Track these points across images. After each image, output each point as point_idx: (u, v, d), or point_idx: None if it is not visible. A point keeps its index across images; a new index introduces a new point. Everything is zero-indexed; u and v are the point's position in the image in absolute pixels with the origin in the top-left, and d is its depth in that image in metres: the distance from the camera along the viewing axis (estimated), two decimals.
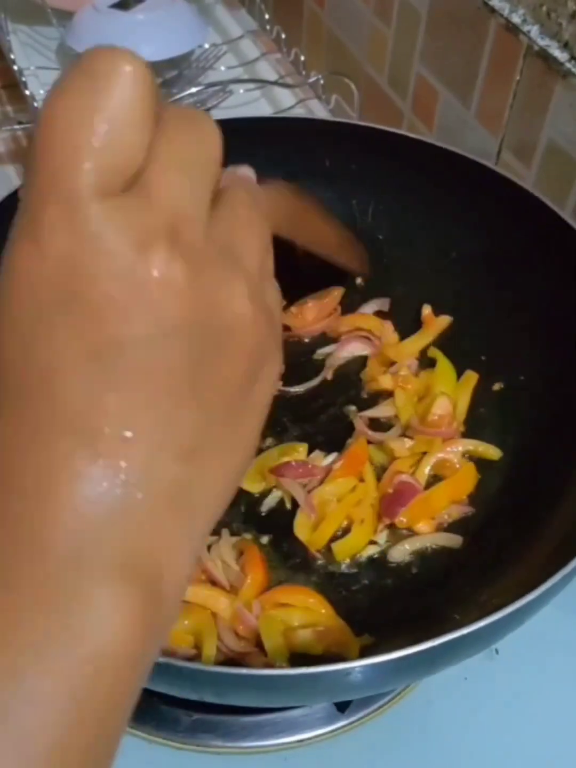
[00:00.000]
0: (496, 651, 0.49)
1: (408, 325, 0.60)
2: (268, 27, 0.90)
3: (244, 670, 0.35)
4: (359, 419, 0.54)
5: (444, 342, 0.59)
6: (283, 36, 0.86)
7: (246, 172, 0.28)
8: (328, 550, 0.49)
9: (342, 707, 0.47)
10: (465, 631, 0.34)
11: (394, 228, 0.61)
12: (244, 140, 0.60)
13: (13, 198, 0.53)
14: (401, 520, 0.49)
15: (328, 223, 0.43)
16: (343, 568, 0.48)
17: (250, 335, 0.22)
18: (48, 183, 0.19)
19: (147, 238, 0.20)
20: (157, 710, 0.46)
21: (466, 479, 0.51)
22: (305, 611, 0.45)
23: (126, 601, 0.20)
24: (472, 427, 0.54)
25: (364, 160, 0.60)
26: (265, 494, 0.51)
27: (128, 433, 0.20)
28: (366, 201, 0.62)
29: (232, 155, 0.61)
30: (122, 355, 0.20)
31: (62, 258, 0.19)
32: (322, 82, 0.80)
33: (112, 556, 0.20)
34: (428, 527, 0.49)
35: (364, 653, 0.42)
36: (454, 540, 0.49)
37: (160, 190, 0.20)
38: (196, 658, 0.42)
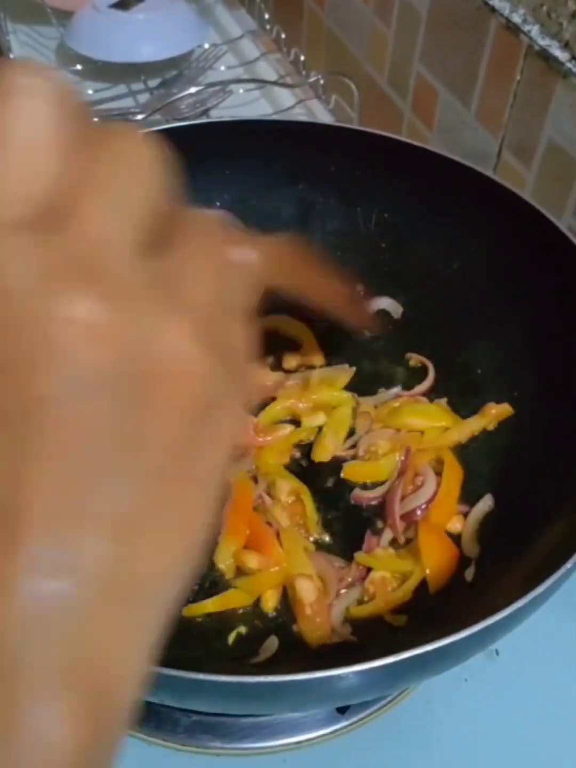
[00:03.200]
0: (497, 652, 0.49)
1: (407, 336, 0.60)
2: (268, 27, 0.90)
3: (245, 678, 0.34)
4: None
5: (443, 357, 0.58)
6: (283, 36, 0.87)
7: (216, 214, 0.25)
8: None
9: (342, 709, 0.47)
10: (463, 634, 0.33)
11: (396, 237, 0.61)
12: (248, 143, 0.61)
13: None
14: (431, 520, 0.49)
15: (332, 278, 0.42)
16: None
17: (189, 380, 0.18)
18: None
19: (59, 274, 0.17)
20: (156, 711, 0.46)
21: (454, 468, 0.52)
22: None
23: (69, 709, 0.17)
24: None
25: (369, 168, 0.59)
26: None
27: (50, 512, 0.17)
28: (370, 209, 0.61)
29: (236, 157, 0.61)
30: (34, 418, 0.17)
31: None
32: (322, 82, 0.80)
33: (49, 660, 0.17)
34: (459, 524, 0.50)
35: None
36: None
37: (78, 220, 0.17)
38: None
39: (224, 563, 0.47)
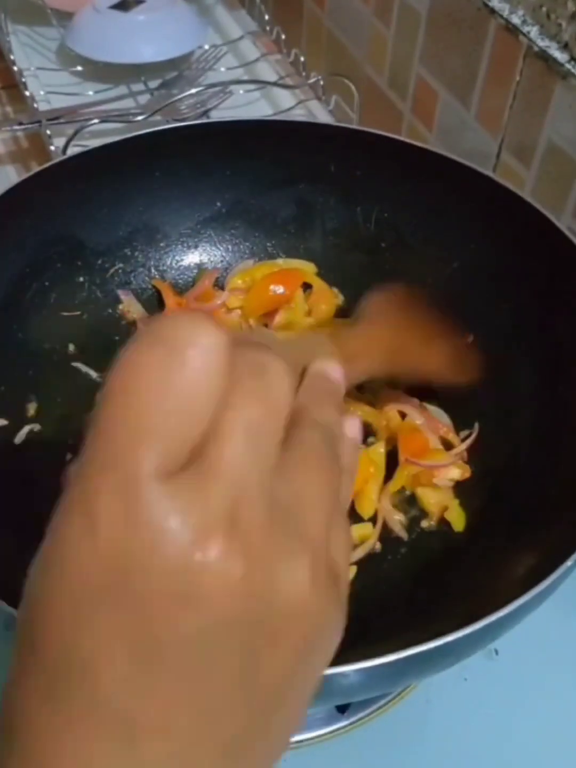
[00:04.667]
0: (496, 651, 0.49)
1: None
2: (268, 28, 0.91)
3: None
4: None
5: None
6: (283, 37, 0.87)
7: (328, 376, 0.27)
8: None
9: (342, 708, 0.47)
10: (463, 632, 0.33)
11: (396, 237, 0.61)
12: (249, 143, 0.61)
13: (12, 193, 0.52)
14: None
15: (430, 345, 0.43)
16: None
17: (307, 619, 0.20)
18: (109, 461, 0.18)
19: (205, 525, 0.18)
20: None
21: None
22: None
23: None
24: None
25: (369, 167, 0.59)
26: None
27: (168, 732, 0.19)
28: (370, 208, 0.61)
29: (237, 157, 0.61)
30: (167, 657, 0.19)
31: (115, 543, 0.18)
32: (322, 83, 0.80)
33: None
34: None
35: None
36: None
37: (221, 464, 0.19)
38: None
39: None
